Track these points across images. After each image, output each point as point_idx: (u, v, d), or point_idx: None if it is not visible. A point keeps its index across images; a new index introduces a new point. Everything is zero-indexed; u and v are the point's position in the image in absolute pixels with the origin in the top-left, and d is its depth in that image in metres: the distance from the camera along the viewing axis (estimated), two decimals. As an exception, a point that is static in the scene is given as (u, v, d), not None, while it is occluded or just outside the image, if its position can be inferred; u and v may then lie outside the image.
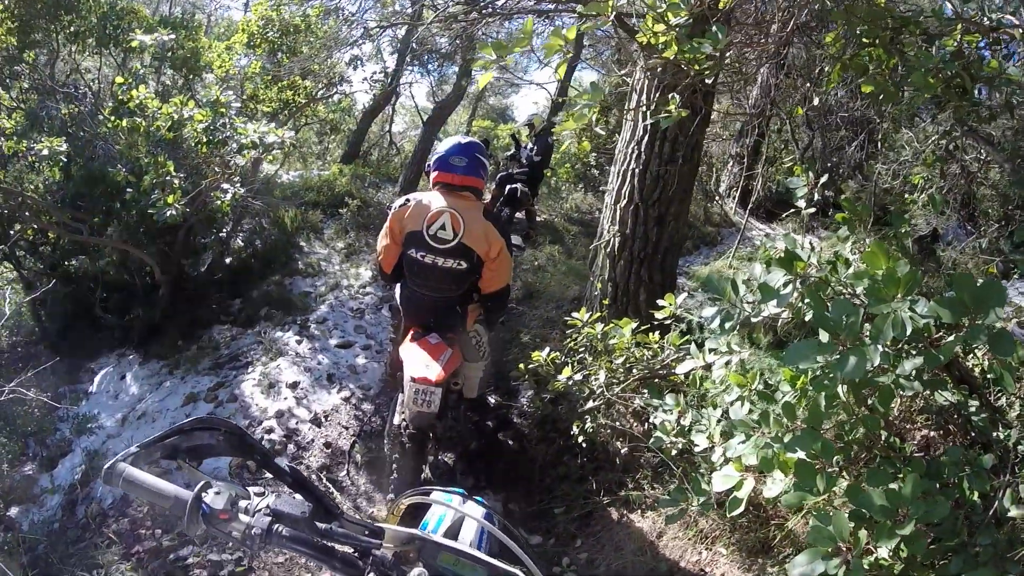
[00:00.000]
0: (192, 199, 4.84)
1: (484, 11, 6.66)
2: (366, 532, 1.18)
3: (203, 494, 1.09)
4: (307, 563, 3.35)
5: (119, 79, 5.18)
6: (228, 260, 6.19)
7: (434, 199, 3.41)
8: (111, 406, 5.03)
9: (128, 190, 4.97)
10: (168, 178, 4.73)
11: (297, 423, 4.35)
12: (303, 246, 7.23)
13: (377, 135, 14.20)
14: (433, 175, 3.50)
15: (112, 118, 5.07)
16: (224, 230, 6.31)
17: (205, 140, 4.88)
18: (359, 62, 10.63)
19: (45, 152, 4.59)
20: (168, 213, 4.48)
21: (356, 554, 1.15)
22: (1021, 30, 2.86)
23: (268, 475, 1.40)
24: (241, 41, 7.79)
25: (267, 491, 1.15)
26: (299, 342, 5.29)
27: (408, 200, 3.48)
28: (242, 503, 1.12)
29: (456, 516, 1.45)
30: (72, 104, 6.16)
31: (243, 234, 6.68)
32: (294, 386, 4.68)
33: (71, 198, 5.35)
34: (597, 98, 2.12)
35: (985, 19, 2.85)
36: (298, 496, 1.18)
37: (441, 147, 3.55)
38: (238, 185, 5.11)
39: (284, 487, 1.25)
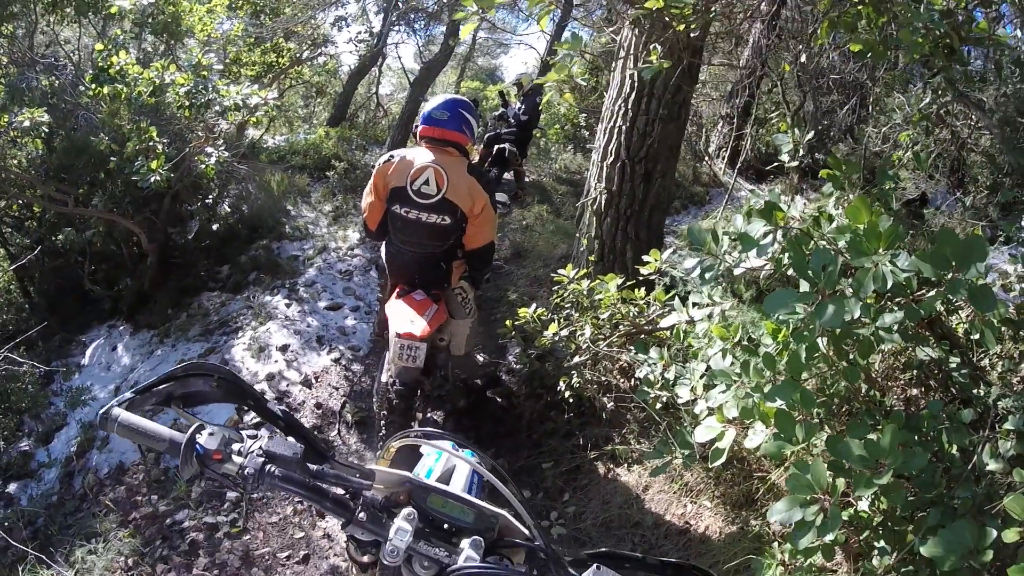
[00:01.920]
0: (176, 165, 4.78)
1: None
2: (357, 474, 1.20)
3: (197, 435, 1.12)
4: (300, 522, 3.41)
5: (99, 46, 5.07)
6: (215, 226, 6.14)
7: (418, 155, 3.41)
8: (104, 377, 5.05)
9: (112, 159, 4.90)
10: (151, 144, 4.67)
11: (288, 385, 4.38)
12: (290, 210, 7.19)
13: (364, 97, 14.00)
14: (419, 129, 3.49)
15: (93, 86, 4.97)
16: (210, 196, 6.25)
17: (187, 104, 4.83)
18: (344, 22, 10.48)
19: (26, 124, 4.51)
20: (152, 179, 4.43)
21: (347, 495, 1.18)
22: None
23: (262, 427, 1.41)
24: (223, 3, 7.62)
25: (260, 434, 1.16)
26: (288, 305, 5.30)
27: (392, 156, 3.47)
28: (235, 445, 1.14)
29: (447, 464, 1.48)
30: (52, 75, 6.03)
31: (229, 199, 6.61)
32: (284, 349, 4.70)
33: (55, 170, 5.29)
34: (577, 47, 2.11)
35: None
36: (290, 439, 1.20)
37: (427, 104, 3.57)
38: (222, 149, 5.05)
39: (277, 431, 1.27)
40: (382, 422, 3.46)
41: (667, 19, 2.31)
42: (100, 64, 4.95)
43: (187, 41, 7.25)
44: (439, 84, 15.99)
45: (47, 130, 4.82)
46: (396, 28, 11.96)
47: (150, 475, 3.72)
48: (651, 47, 2.31)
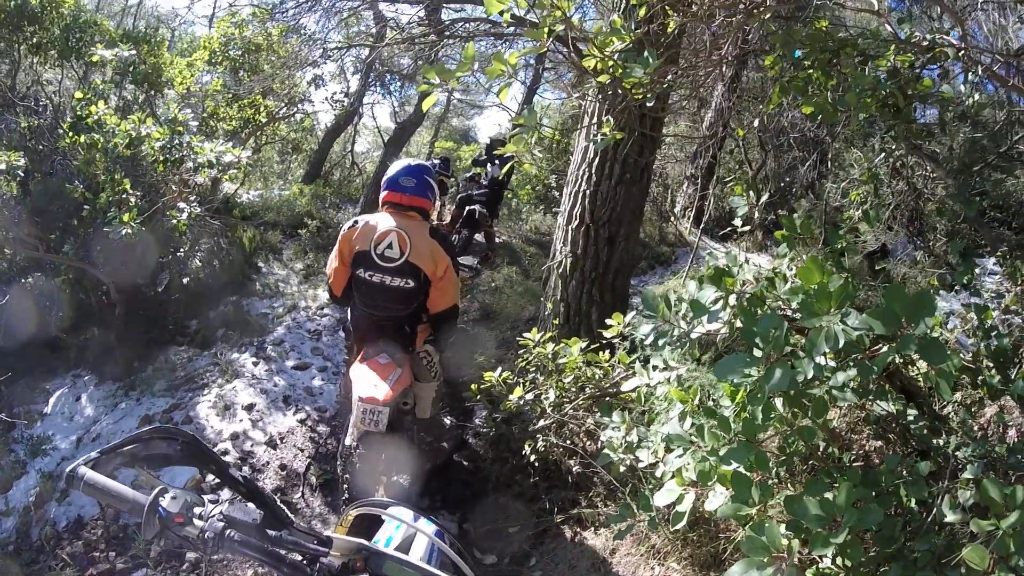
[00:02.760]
0: (148, 217, 4.77)
1: (443, 34, 6.75)
2: (315, 541, 1.23)
3: (160, 498, 1.15)
4: (259, 583, 3.32)
5: (78, 94, 5.10)
6: (185, 280, 6.09)
7: (381, 219, 3.47)
8: (66, 428, 4.91)
9: (85, 207, 4.88)
10: (124, 196, 4.66)
11: (252, 445, 4.29)
12: (261, 267, 7.18)
13: (339, 155, 14.16)
14: (383, 195, 3.56)
15: (71, 134, 4.99)
16: (181, 249, 6.21)
17: (162, 158, 4.83)
18: (321, 81, 10.62)
19: (2, 167, 4.49)
20: (124, 232, 4.40)
21: (304, 561, 1.21)
22: (954, 49, 2.98)
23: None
24: (203, 58, 7.74)
25: (221, 500, 1.19)
26: (255, 364, 5.24)
27: (356, 222, 3.54)
28: (196, 509, 1.17)
29: (407, 533, 1.49)
30: (31, 117, 6.04)
31: (201, 254, 6.57)
32: (250, 408, 4.62)
33: (29, 213, 5.23)
34: (532, 121, 2.16)
35: (924, 39, 2.97)
36: (251, 505, 1.24)
37: (391, 169, 3.64)
38: (195, 204, 5.05)
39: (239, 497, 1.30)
40: (345, 486, 3.41)
41: (619, 90, 2.39)
42: (79, 113, 4.97)
43: (167, 92, 7.32)
44: (413, 143, 16.27)
45: (23, 173, 4.78)
46: (372, 88, 12.20)
47: (109, 531, 3.62)
48: (605, 118, 2.38)
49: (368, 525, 1.50)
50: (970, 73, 3.05)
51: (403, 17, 9.10)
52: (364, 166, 14.58)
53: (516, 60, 2.24)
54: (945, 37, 3.00)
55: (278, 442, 4.37)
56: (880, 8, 3.34)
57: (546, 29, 2.17)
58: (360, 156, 15.38)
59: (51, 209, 5.19)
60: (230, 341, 5.62)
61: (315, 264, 7.47)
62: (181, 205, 4.92)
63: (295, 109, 10.37)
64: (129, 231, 4.41)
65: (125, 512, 1.19)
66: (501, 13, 2.16)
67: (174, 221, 4.91)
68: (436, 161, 9.71)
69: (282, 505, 1.28)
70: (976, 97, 3.40)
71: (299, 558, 1.21)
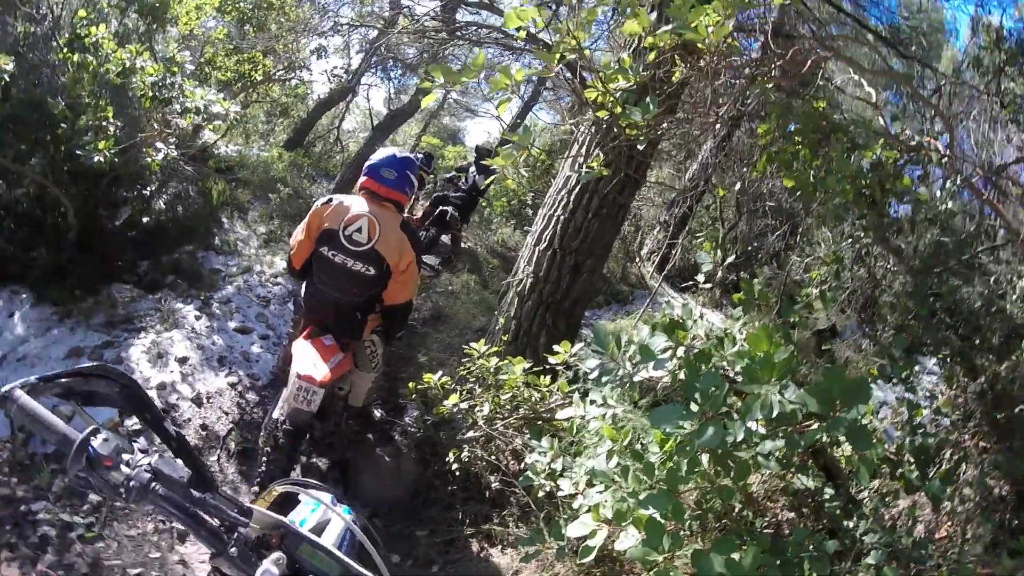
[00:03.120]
0: (124, 150, 4.65)
1: (455, 33, 6.76)
2: (235, 509, 1.21)
3: (92, 438, 1.12)
4: (158, 541, 3.25)
5: (82, 12, 4.96)
6: (146, 219, 5.91)
7: (356, 203, 3.45)
8: (-8, 341, 4.71)
9: (63, 125, 4.73)
10: (105, 123, 4.55)
11: (178, 399, 4.20)
12: (224, 222, 7.03)
13: (325, 128, 14.00)
14: (362, 179, 3.55)
15: (65, 49, 4.84)
16: (149, 188, 6.05)
17: (151, 95, 4.73)
18: (323, 52, 10.55)
19: None
20: (96, 159, 4.29)
21: (222, 527, 1.19)
22: (939, 154, 3.11)
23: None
24: (213, 3, 7.60)
25: (151, 451, 1.18)
26: (198, 318, 5.13)
27: (331, 200, 3.52)
28: (125, 456, 1.14)
29: (324, 516, 1.47)
30: (29, 24, 5.84)
31: (166, 197, 6.39)
32: (183, 361, 4.52)
33: (3, 120, 5.04)
34: (526, 141, 2.19)
35: (913, 139, 3.09)
36: (179, 462, 1.21)
37: (376, 155, 3.62)
38: (173, 147, 4.95)
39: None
40: (264, 458, 3.36)
41: (615, 128, 2.43)
42: (78, 31, 4.83)
43: (169, 29, 7.15)
44: (401, 133, 16.17)
45: (7, 78, 4.61)
46: (372, 70, 12.13)
47: (15, 456, 3.46)
48: (595, 151, 2.42)
49: (283, 503, 1.47)
50: (949, 180, 3.18)
51: (419, 7, 9.08)
52: (348, 144, 14.44)
53: (522, 77, 2.26)
54: (933, 141, 3.13)
55: (204, 401, 4.28)
56: (877, 100, 3.47)
57: (557, 55, 2.20)
58: (346, 134, 15.26)
59: (28, 119, 5.01)
60: (177, 290, 5.48)
61: (278, 231, 7.36)
62: (159, 145, 4.82)
63: (292, 74, 10.26)
64: (102, 159, 4.31)
65: (50, 443, 1.15)
66: (518, 29, 2.18)
67: (148, 159, 4.80)
68: (420, 155, 9.68)
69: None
70: (950, 204, 3.53)
71: (217, 524, 1.19)
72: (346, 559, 1.19)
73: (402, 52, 10.86)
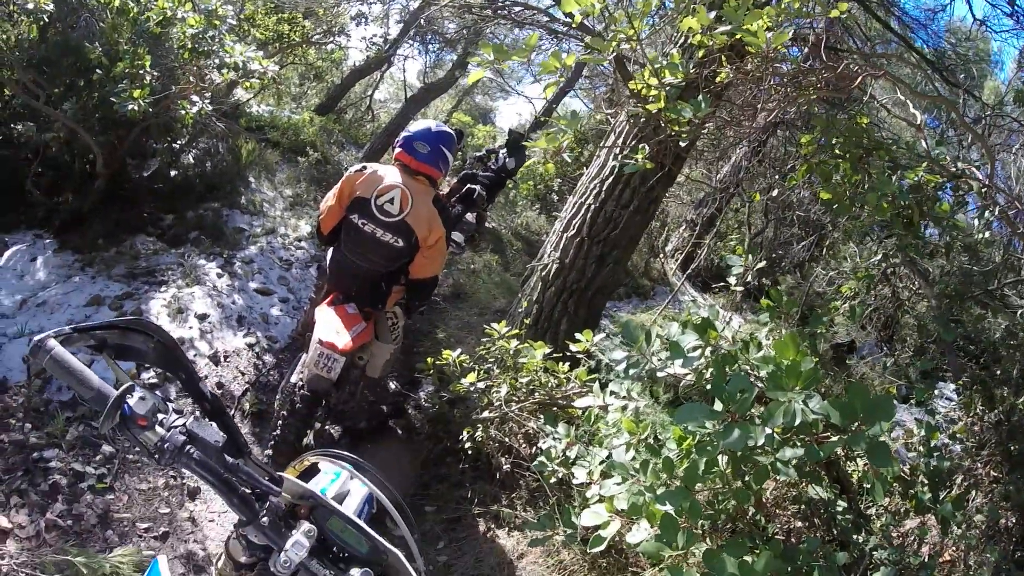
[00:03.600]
0: (158, 101, 4.66)
1: (499, 11, 6.71)
2: (267, 477, 1.20)
3: (128, 395, 1.09)
4: (169, 497, 3.29)
5: None
6: (173, 173, 5.94)
7: (389, 173, 3.44)
8: (14, 285, 4.76)
9: (98, 71, 4.74)
10: (141, 72, 4.53)
11: (196, 356, 4.24)
12: (252, 182, 7.05)
13: (358, 96, 13.99)
14: (396, 151, 3.54)
15: None
16: (179, 142, 6.07)
17: (190, 47, 4.72)
18: (364, 19, 10.50)
19: (30, 5, 4.33)
20: (130, 107, 4.29)
21: (253, 495, 1.17)
22: (979, 184, 3.08)
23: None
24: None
25: (186, 413, 1.15)
26: (220, 276, 5.17)
27: (365, 167, 3.50)
28: (160, 416, 1.12)
29: (343, 486, 1.46)
30: None
31: (196, 152, 6.43)
32: (202, 318, 4.56)
33: (39, 61, 5.05)
34: (573, 126, 2.19)
35: (953, 165, 3.05)
36: (214, 425, 1.19)
37: (413, 127, 3.61)
38: (207, 101, 4.96)
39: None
40: (279, 421, 3.38)
41: (661, 123, 2.42)
42: None
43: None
44: (433, 107, 16.12)
45: (46, 18, 4.62)
46: (410, 42, 12.08)
47: (30, 401, 3.50)
48: (640, 145, 2.41)
49: (306, 471, 1.48)
50: (987, 211, 3.15)
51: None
52: (379, 114, 14.42)
53: (572, 62, 2.25)
54: (974, 170, 3.09)
55: (221, 359, 4.32)
56: (920, 123, 3.43)
57: (612, 44, 2.18)
58: (378, 103, 15.21)
59: (63, 63, 5.02)
60: (200, 246, 5.51)
61: (305, 195, 7.37)
62: (194, 98, 4.82)
63: (330, 39, 10.23)
64: (136, 108, 4.31)
65: (83, 398, 1.13)
66: (571, 15, 2.17)
67: (182, 112, 4.80)
68: (446, 127, 9.61)
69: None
70: (987, 234, 3.49)
71: (248, 491, 1.17)
72: (375, 535, 1.19)
73: (442, 26, 10.81)
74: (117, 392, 1.08)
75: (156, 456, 1.09)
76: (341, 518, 1.20)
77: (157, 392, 3.80)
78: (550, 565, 3.04)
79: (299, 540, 1.12)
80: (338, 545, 1.20)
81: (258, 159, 7.44)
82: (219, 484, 1.12)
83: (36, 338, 1.10)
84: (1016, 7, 6.25)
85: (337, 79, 12.78)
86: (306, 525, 1.15)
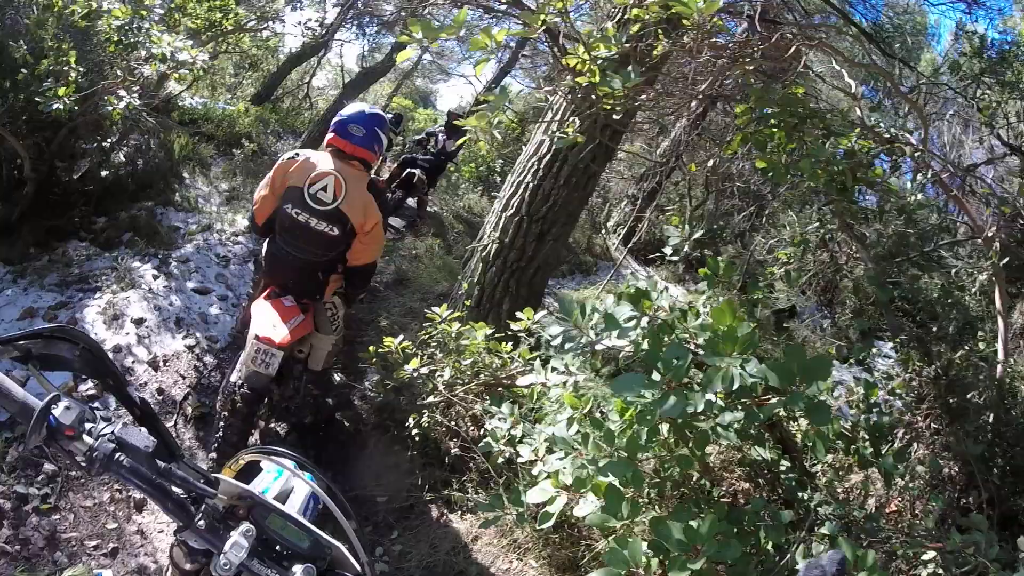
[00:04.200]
0: (85, 98, 4.45)
1: (434, -10, 6.61)
2: (202, 480, 1.17)
3: (53, 406, 1.05)
4: (115, 512, 3.19)
5: None
6: (104, 173, 5.70)
7: (322, 160, 3.37)
8: (-60, 303, 4.53)
9: (23, 71, 4.50)
10: (67, 68, 4.33)
11: (134, 362, 4.10)
12: (186, 178, 6.85)
13: (295, 83, 13.63)
14: (329, 136, 3.47)
15: None
16: (109, 140, 5.82)
17: (116, 39, 4.52)
18: (298, 3, 10.25)
19: None
20: (56, 106, 4.09)
21: (189, 499, 1.14)
22: (912, 148, 3.16)
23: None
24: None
25: (114, 420, 1.14)
26: (156, 277, 5.00)
27: (297, 155, 3.43)
28: (87, 425, 1.08)
29: (287, 484, 1.45)
30: None
31: (127, 149, 6.18)
32: (139, 322, 4.41)
33: None
34: (502, 102, 2.15)
35: (887, 132, 3.13)
36: (143, 430, 1.15)
37: (345, 111, 3.54)
38: (136, 96, 4.75)
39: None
40: (221, 423, 3.31)
41: (594, 96, 2.40)
42: None
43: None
44: (372, 91, 15.85)
45: None
46: (347, 26, 11.84)
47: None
48: (570, 119, 2.39)
49: (247, 471, 1.45)
50: (919, 175, 3.24)
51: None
52: (317, 102, 14.11)
53: (502, 38, 2.21)
54: (907, 135, 3.17)
55: (161, 364, 4.19)
56: (856, 92, 3.50)
57: (542, 17, 2.15)
58: (316, 90, 14.86)
59: None
60: (135, 248, 5.33)
61: (241, 188, 7.17)
62: (121, 93, 4.63)
63: (264, 25, 9.95)
64: (61, 107, 4.11)
65: (6, 411, 1.07)
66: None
67: (110, 108, 4.61)
68: (389, 115, 9.50)
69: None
70: (919, 196, 3.59)
71: (183, 495, 1.14)
72: (316, 529, 1.18)
73: (379, 8, 10.61)
74: (42, 403, 1.04)
75: (87, 466, 1.06)
76: (280, 515, 1.18)
77: (97, 403, 3.69)
78: (504, 545, 3.05)
79: (238, 541, 1.10)
80: (281, 542, 1.17)
81: (192, 154, 7.24)
82: (152, 490, 1.10)
83: None
84: (950, -19, 6.46)
85: (273, 67, 12.48)
86: (244, 525, 1.13)
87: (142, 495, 1.12)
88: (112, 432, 1.09)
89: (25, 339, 1.15)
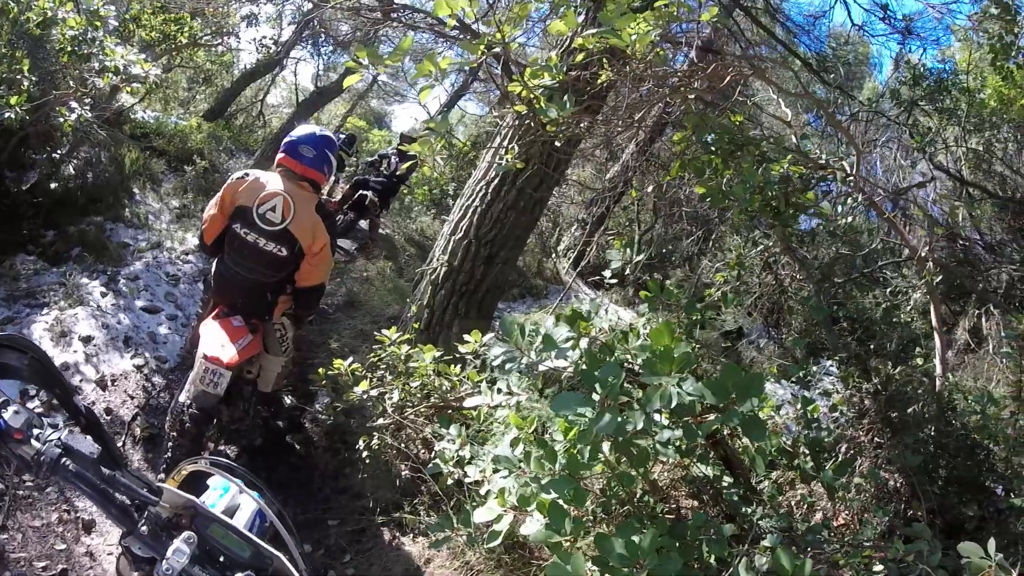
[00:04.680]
0: (37, 107, 4.37)
1: (390, 15, 6.66)
2: (145, 488, 1.22)
3: (2, 410, 1.11)
4: (64, 532, 3.13)
5: None
6: (54, 185, 5.58)
7: (272, 180, 3.39)
8: None
9: None
10: (20, 76, 4.27)
11: (81, 381, 4.03)
12: (136, 193, 6.73)
13: (248, 100, 13.57)
14: (279, 156, 3.49)
15: None
16: (59, 151, 5.70)
17: (69, 49, 4.48)
18: (255, 20, 10.21)
19: None
20: (7, 115, 4.05)
21: (133, 506, 1.20)
22: (843, 173, 3.32)
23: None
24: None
25: (61, 427, 1.19)
26: (104, 295, 4.91)
27: (247, 175, 3.44)
28: (35, 430, 1.14)
29: (233, 500, 1.49)
30: None
31: (77, 162, 6.06)
32: (87, 340, 4.33)
33: None
34: (443, 128, 2.21)
35: (820, 158, 3.28)
36: (88, 438, 1.21)
37: (296, 132, 3.56)
38: (88, 107, 4.68)
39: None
40: (170, 443, 3.28)
41: (533, 124, 2.49)
42: None
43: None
44: (327, 111, 15.82)
45: None
46: (302, 44, 11.82)
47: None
48: (511, 145, 2.47)
49: (196, 485, 1.50)
50: (850, 199, 3.40)
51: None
52: (271, 119, 14.02)
53: (447, 65, 2.28)
54: (839, 161, 3.34)
55: (109, 384, 4.12)
56: (792, 119, 3.67)
57: (482, 47, 2.22)
58: (270, 108, 14.80)
59: None
60: (83, 263, 5.24)
61: (192, 206, 7.08)
62: (73, 104, 4.58)
63: (220, 40, 9.88)
64: (12, 116, 4.06)
65: None
66: (447, 17, 2.20)
67: (61, 119, 4.54)
68: (342, 136, 9.48)
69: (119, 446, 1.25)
70: (850, 220, 3.77)
71: (127, 501, 1.19)
72: (256, 539, 1.23)
73: (335, 28, 10.62)
74: None
75: (34, 469, 1.11)
76: (222, 525, 1.23)
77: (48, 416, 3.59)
78: (457, 567, 3.05)
79: (179, 547, 1.14)
80: (222, 552, 1.22)
81: (143, 169, 7.12)
82: (96, 495, 1.15)
83: None
84: (889, 12, 6.79)
85: (227, 83, 12.38)
86: (186, 533, 1.18)
87: (89, 502, 1.17)
88: (59, 438, 1.14)
89: None
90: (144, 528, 1.17)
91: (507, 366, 1.97)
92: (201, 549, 1.20)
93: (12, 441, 1.11)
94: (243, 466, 3.63)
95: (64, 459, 1.12)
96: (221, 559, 1.22)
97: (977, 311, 6.26)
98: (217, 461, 1.45)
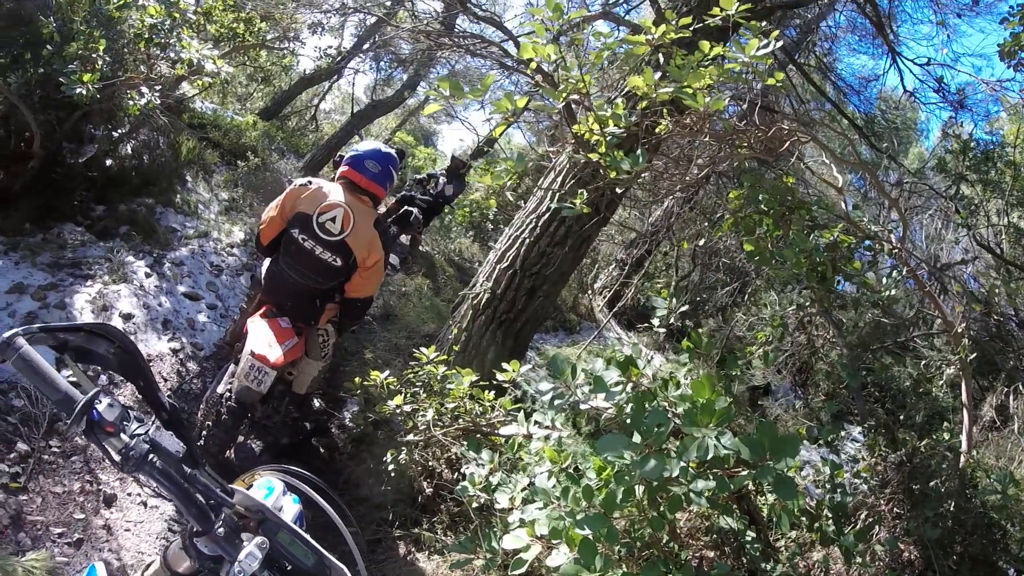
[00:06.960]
0: (106, 87, 4.52)
1: (454, 40, 6.85)
2: (219, 489, 1.23)
3: (97, 401, 1.12)
4: (84, 503, 3.16)
5: None
6: (109, 162, 5.73)
7: (334, 191, 3.48)
8: (-70, 264, 4.49)
9: (48, 47, 4.55)
10: (95, 55, 4.39)
11: (118, 356, 4.08)
12: (188, 181, 6.88)
13: (303, 104, 13.86)
14: (342, 169, 3.57)
15: None
16: (119, 131, 5.87)
17: (147, 36, 4.62)
18: (320, 28, 10.47)
19: None
20: (78, 90, 4.15)
21: (209, 506, 1.20)
22: (890, 246, 3.36)
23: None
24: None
25: (149, 422, 1.18)
26: (148, 275, 5.01)
27: (310, 182, 3.53)
28: (125, 424, 1.15)
29: (277, 501, 1.47)
30: None
31: (135, 143, 6.22)
32: (127, 317, 4.42)
33: None
34: (519, 167, 2.29)
35: (869, 226, 3.32)
36: (172, 435, 1.21)
37: (361, 146, 3.65)
38: (156, 94, 4.84)
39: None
40: (203, 432, 3.34)
41: (600, 170, 2.56)
42: None
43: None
44: (377, 124, 16.08)
45: None
46: (362, 56, 12.09)
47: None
48: (579, 191, 2.54)
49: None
50: (895, 271, 3.44)
51: (420, 3, 9.12)
52: (323, 125, 14.30)
53: (523, 105, 2.37)
54: (887, 232, 3.38)
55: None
56: (842, 184, 3.72)
57: (564, 94, 2.31)
58: (323, 114, 15.08)
59: (11, 33, 4.78)
60: (130, 242, 5.33)
61: (241, 200, 7.23)
62: (143, 89, 4.71)
63: (284, 44, 10.15)
64: (84, 92, 4.17)
65: (47, 399, 1.14)
66: (528, 61, 2.29)
67: (131, 102, 4.68)
68: (392, 150, 9.61)
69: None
70: (892, 292, 3.80)
71: (204, 501, 1.20)
72: (323, 550, 1.24)
73: (396, 44, 10.86)
74: (86, 397, 1.10)
75: (120, 462, 1.12)
76: (289, 532, 1.24)
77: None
78: (470, 590, 3.07)
79: (252, 551, 1.15)
80: (286, 558, 1.23)
81: (197, 158, 7.26)
82: (179, 493, 1.15)
83: (5, 335, 1.11)
84: (943, 85, 6.83)
85: (285, 85, 12.65)
86: (259, 537, 1.18)
87: (169, 496, 1.18)
88: (147, 433, 1.16)
89: (66, 331, 1.21)
90: (221, 529, 1.17)
91: (555, 402, 2.03)
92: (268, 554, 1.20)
93: (103, 433, 1.12)
94: (266, 461, 3.69)
95: (151, 455, 1.13)
96: (287, 567, 1.23)
97: (1006, 388, 6.18)
98: (292, 470, 1.45)
